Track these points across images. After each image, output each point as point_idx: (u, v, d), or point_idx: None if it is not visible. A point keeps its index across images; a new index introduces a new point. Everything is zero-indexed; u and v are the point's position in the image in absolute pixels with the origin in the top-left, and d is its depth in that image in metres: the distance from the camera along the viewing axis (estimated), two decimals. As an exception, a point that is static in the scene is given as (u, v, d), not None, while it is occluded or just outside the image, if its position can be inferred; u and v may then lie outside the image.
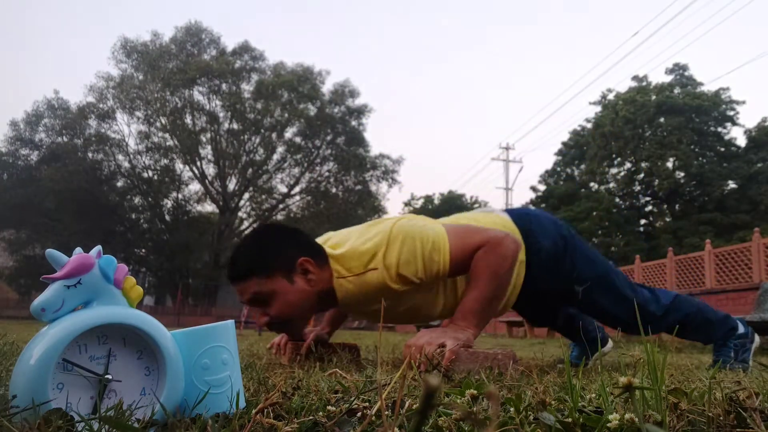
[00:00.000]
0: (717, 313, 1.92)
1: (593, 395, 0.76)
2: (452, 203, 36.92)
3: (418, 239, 1.48)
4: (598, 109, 27.74)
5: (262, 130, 29.00)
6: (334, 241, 1.65)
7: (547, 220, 1.80)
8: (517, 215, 1.79)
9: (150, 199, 28.48)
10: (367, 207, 29.60)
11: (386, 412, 0.54)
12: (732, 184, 23.36)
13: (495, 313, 1.52)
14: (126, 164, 28.14)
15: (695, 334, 1.92)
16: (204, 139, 29.10)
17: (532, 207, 1.94)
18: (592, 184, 27.25)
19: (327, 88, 29.70)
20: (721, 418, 0.56)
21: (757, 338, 1.93)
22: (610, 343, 2.25)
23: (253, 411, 0.58)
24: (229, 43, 30.65)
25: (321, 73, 29.46)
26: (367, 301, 1.56)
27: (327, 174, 30.32)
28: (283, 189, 30.48)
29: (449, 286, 1.65)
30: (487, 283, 1.45)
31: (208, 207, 31.33)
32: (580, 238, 1.84)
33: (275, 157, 29.91)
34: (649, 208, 26.83)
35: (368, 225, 1.62)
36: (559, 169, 29.25)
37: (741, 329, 1.89)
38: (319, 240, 1.72)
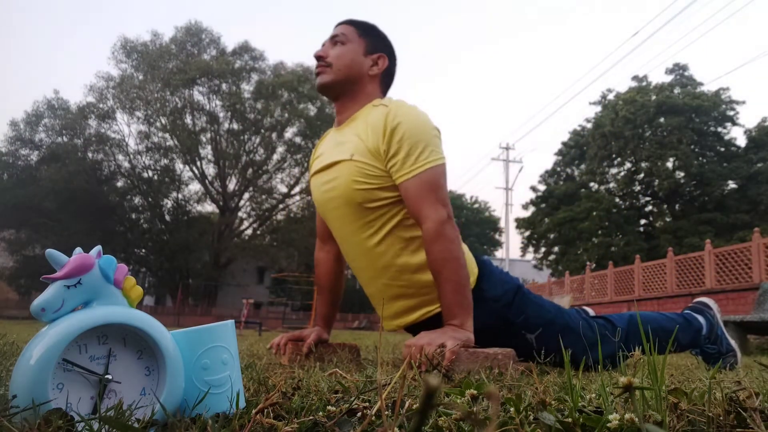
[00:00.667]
0: (677, 321, 1.85)
1: (593, 395, 0.76)
2: (452, 203, 36.74)
3: (423, 131, 1.54)
4: (598, 109, 27.74)
5: (262, 130, 29.00)
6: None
7: (497, 271, 1.76)
8: (482, 270, 1.72)
9: (150, 199, 28.48)
10: (367, 207, 29.54)
11: (386, 412, 0.54)
12: (732, 184, 23.36)
13: (470, 293, 1.48)
14: (126, 164, 28.15)
15: (662, 348, 1.87)
16: (204, 139, 29.10)
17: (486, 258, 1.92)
18: (592, 184, 27.25)
19: (327, 88, 29.65)
20: (721, 418, 0.56)
21: (714, 306, 1.89)
22: None
23: (253, 411, 0.58)
24: (229, 43, 30.72)
25: (321, 73, 29.41)
26: (336, 143, 1.69)
27: (327, 174, 30.26)
28: (283, 189, 30.49)
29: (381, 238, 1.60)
30: (455, 270, 1.44)
31: (208, 207, 31.35)
32: (528, 289, 1.78)
33: (275, 157, 29.92)
34: (649, 208, 26.83)
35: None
36: (559, 169, 29.25)
37: (703, 327, 1.85)
38: None
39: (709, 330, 1.86)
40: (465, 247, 1.69)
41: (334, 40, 1.71)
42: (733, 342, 1.84)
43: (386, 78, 1.76)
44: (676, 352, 1.94)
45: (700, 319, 1.89)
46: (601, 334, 1.73)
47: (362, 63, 1.70)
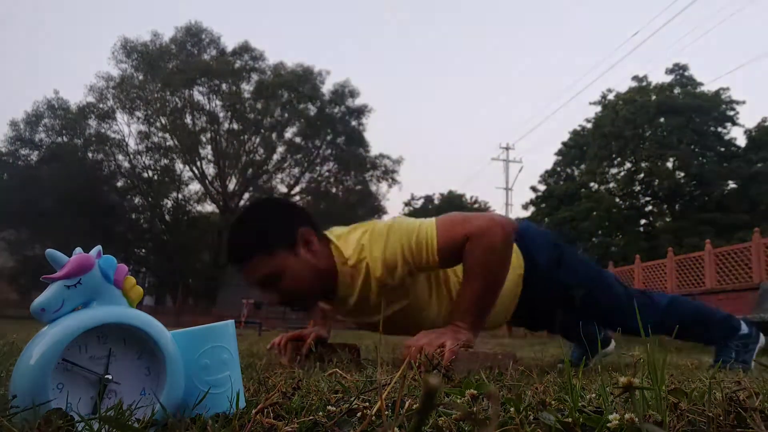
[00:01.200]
0: (716, 314, 1.91)
1: (593, 395, 0.76)
2: (452, 203, 36.88)
3: (405, 230, 1.47)
4: (598, 109, 27.73)
5: (262, 130, 29.00)
6: (331, 231, 1.65)
7: (539, 235, 1.80)
8: (524, 237, 1.76)
9: (150, 199, 28.48)
10: (367, 207, 29.59)
11: (386, 412, 0.54)
12: (732, 184, 23.36)
13: (492, 306, 1.50)
14: (126, 164, 28.15)
15: (695, 336, 1.92)
16: (204, 139, 29.10)
17: (522, 219, 1.95)
18: (592, 184, 27.25)
19: (327, 88, 29.71)
20: (721, 418, 0.56)
21: (762, 339, 1.90)
22: (612, 344, 2.25)
23: (253, 411, 0.58)
24: (229, 43, 30.64)
25: (321, 73, 29.47)
26: (361, 299, 1.55)
27: (327, 174, 30.33)
28: (283, 189, 30.48)
29: (443, 289, 1.65)
30: (478, 278, 1.43)
31: (208, 207, 31.33)
32: (572, 246, 1.87)
33: (275, 157, 29.92)
34: (649, 208, 26.82)
35: (362, 223, 1.62)
36: (559, 169, 29.24)
37: (744, 330, 1.87)
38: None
39: (748, 336, 1.85)
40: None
41: (264, 286, 1.48)
42: (753, 363, 1.84)
43: (314, 229, 1.53)
44: (706, 344, 1.94)
45: (745, 325, 1.89)
46: (640, 304, 1.80)
47: (304, 263, 1.47)
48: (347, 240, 1.52)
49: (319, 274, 1.49)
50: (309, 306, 1.63)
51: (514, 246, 1.66)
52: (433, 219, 1.52)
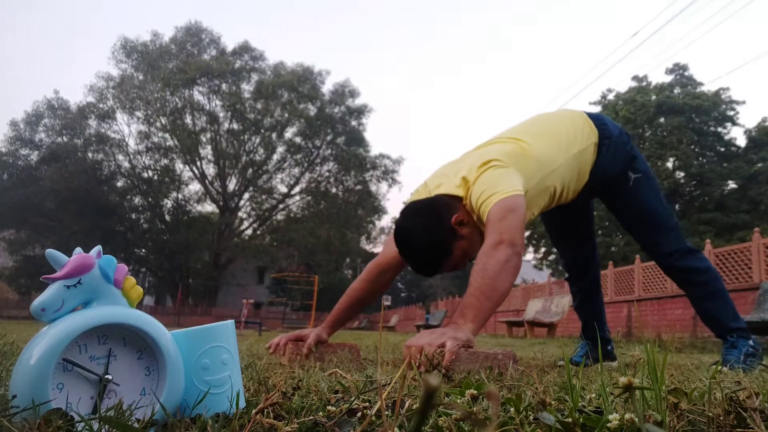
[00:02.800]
0: (733, 306, 1.95)
1: (593, 395, 0.76)
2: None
3: (484, 190, 1.64)
4: (598, 109, 27.74)
5: (262, 130, 29.01)
6: (437, 183, 1.83)
7: (615, 124, 2.00)
8: (593, 116, 1.97)
9: (150, 199, 28.50)
10: (367, 207, 29.61)
11: (386, 412, 0.54)
12: (732, 184, 23.36)
13: (495, 307, 1.53)
14: (126, 164, 28.17)
15: (710, 302, 1.93)
16: (204, 139, 29.12)
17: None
18: (592, 184, 27.21)
19: (327, 88, 29.75)
20: (721, 418, 0.56)
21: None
22: (615, 364, 2.25)
23: (253, 411, 0.58)
24: (229, 43, 30.76)
25: (321, 73, 29.49)
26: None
27: (327, 174, 30.34)
28: (283, 189, 30.51)
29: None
30: (487, 281, 1.48)
31: (208, 207, 31.36)
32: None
33: (275, 157, 29.94)
34: (649, 208, 26.76)
35: (473, 160, 1.77)
36: (559, 169, 29.20)
37: (752, 342, 1.90)
38: (422, 189, 1.88)
39: (756, 348, 1.89)
40: (584, 116, 1.94)
41: (459, 263, 1.76)
42: (756, 368, 1.84)
43: (453, 208, 1.75)
44: (717, 330, 1.95)
45: (753, 340, 1.93)
46: (676, 226, 1.98)
47: (472, 234, 1.73)
48: (466, 184, 1.73)
49: (479, 231, 1.73)
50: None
51: (588, 119, 1.92)
52: (496, 198, 1.62)
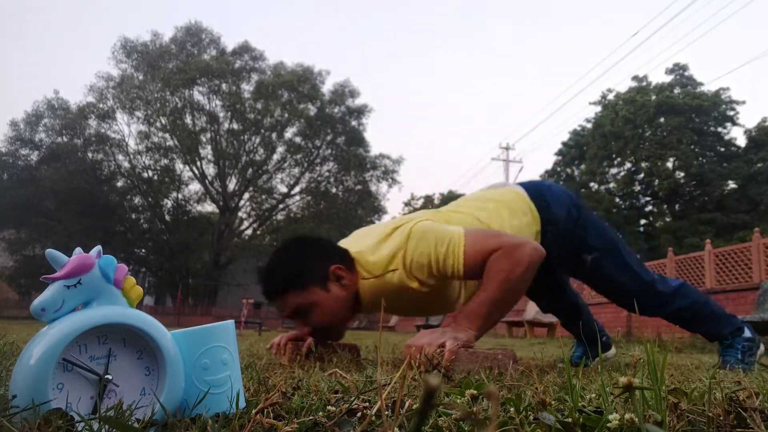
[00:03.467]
0: (723, 309, 1.91)
1: (593, 395, 0.76)
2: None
3: (433, 242, 1.49)
4: (598, 109, 27.74)
5: (262, 130, 29.00)
6: (356, 242, 1.69)
7: (560, 192, 1.83)
8: (531, 188, 1.81)
9: (150, 199, 28.48)
10: (367, 207, 29.60)
11: (386, 412, 0.54)
12: (732, 184, 23.36)
13: (502, 317, 1.51)
14: (126, 164, 28.16)
15: (701, 326, 1.90)
16: (204, 139, 29.11)
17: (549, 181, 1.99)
18: (592, 184, 27.25)
19: (327, 88, 29.72)
20: (721, 418, 0.56)
21: (762, 347, 1.90)
22: (612, 350, 2.25)
23: (253, 411, 0.58)
24: (229, 43, 30.71)
25: (321, 73, 29.48)
26: (388, 299, 1.60)
27: (327, 174, 30.33)
28: (283, 189, 30.50)
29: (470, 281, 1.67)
30: (497, 287, 1.43)
31: (208, 207, 31.35)
32: (591, 209, 1.88)
33: (275, 157, 29.92)
34: (649, 208, 26.82)
35: (389, 225, 1.65)
36: (559, 169, 29.24)
37: (748, 333, 1.87)
38: (344, 241, 1.77)
39: (752, 340, 1.86)
40: (520, 193, 1.76)
41: (297, 316, 1.60)
42: (756, 365, 1.83)
43: (345, 263, 1.61)
44: (711, 339, 1.94)
45: (748, 330, 1.89)
46: (650, 280, 1.81)
47: (336, 297, 1.58)
48: (373, 250, 1.57)
49: (348, 304, 1.61)
50: (336, 334, 1.73)
51: (531, 203, 1.74)
52: (461, 231, 1.51)
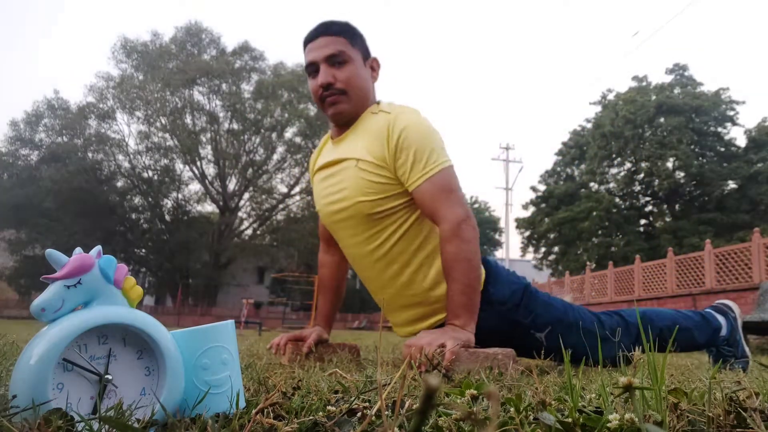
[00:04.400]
0: (693, 319, 1.82)
1: (593, 395, 0.76)
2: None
3: (430, 137, 1.51)
4: (598, 109, 27.75)
5: (262, 130, 29.01)
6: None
7: (504, 272, 1.74)
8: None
9: (150, 199, 28.49)
10: (367, 207, 29.55)
11: (386, 412, 0.54)
12: (732, 184, 23.37)
13: (479, 297, 1.48)
14: (126, 164, 28.17)
15: (682, 344, 1.82)
16: (204, 139, 29.12)
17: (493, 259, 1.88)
18: (592, 184, 27.25)
19: (327, 88, 29.68)
20: (721, 418, 0.56)
21: (736, 310, 1.85)
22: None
23: (253, 411, 0.58)
24: (229, 43, 30.76)
25: (321, 73, 29.44)
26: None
27: (327, 174, 30.29)
28: (283, 189, 30.51)
29: (419, 254, 1.60)
30: (461, 272, 1.43)
31: (208, 207, 31.35)
32: (536, 289, 1.75)
33: (275, 157, 29.94)
34: (649, 208, 26.83)
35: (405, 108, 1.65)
36: (559, 169, 29.25)
37: (723, 329, 1.82)
38: None
39: (730, 332, 1.82)
40: None
41: (333, 60, 1.55)
42: (747, 349, 1.82)
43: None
44: (693, 351, 1.92)
45: (721, 319, 1.84)
46: (610, 330, 1.70)
47: (368, 77, 1.62)
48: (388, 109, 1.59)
49: (364, 93, 1.59)
50: (337, 109, 1.59)
51: None
52: (437, 168, 1.49)
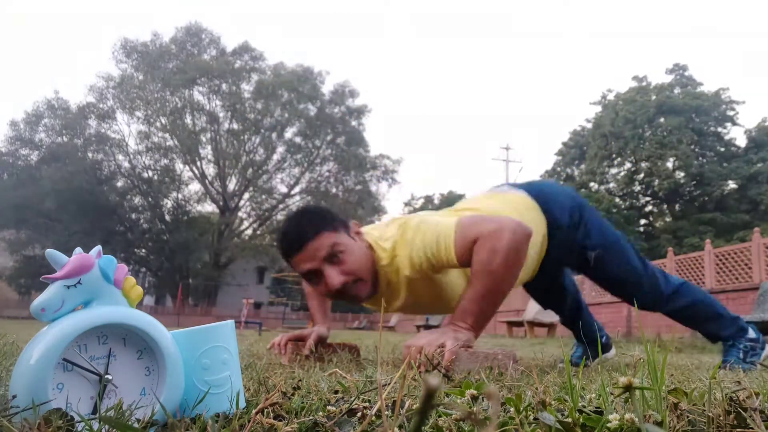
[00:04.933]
0: (727, 310, 1.92)
1: (593, 395, 0.76)
2: (452, 203, 36.79)
3: (429, 232, 1.50)
4: (598, 109, 27.75)
5: (262, 130, 29.02)
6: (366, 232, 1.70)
7: (562, 194, 1.85)
8: (533, 192, 1.81)
9: (150, 199, 28.50)
10: (367, 207, 29.62)
11: (386, 412, 0.54)
12: (732, 184, 23.36)
13: (495, 310, 1.49)
14: (126, 164, 28.18)
15: (703, 326, 1.91)
16: (204, 139, 29.13)
17: (546, 180, 2.01)
18: (592, 184, 27.25)
19: (327, 88, 29.77)
20: (721, 418, 0.56)
21: None
22: (613, 351, 2.25)
23: (253, 411, 0.58)
24: (229, 43, 30.77)
25: (321, 73, 29.50)
26: (395, 291, 1.62)
27: (327, 174, 30.35)
28: (283, 189, 30.53)
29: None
30: (480, 281, 1.41)
31: (208, 207, 31.36)
32: (593, 207, 1.91)
33: (275, 157, 29.95)
34: (649, 208, 26.82)
35: (390, 221, 1.68)
36: (559, 169, 29.24)
37: (752, 334, 1.88)
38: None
39: (756, 340, 1.86)
40: (523, 197, 1.76)
41: (332, 259, 1.50)
42: (759, 366, 1.83)
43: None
44: (713, 340, 1.94)
45: (753, 330, 1.90)
46: (651, 276, 1.85)
47: (360, 246, 1.56)
48: (382, 240, 1.59)
49: (372, 264, 1.56)
50: (362, 295, 1.60)
51: (536, 205, 1.75)
52: (454, 220, 1.51)
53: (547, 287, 2.07)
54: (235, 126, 29.08)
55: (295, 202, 30.68)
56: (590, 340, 2.11)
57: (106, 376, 0.60)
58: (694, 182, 24.01)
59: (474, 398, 0.64)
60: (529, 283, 1.99)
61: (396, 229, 1.57)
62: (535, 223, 1.70)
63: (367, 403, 0.66)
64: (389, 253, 1.55)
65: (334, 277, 1.49)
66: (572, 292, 2.13)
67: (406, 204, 40.19)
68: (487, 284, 1.42)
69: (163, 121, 28.01)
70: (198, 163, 29.14)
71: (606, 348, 2.22)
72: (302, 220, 1.53)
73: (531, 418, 0.58)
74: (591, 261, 1.79)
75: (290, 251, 1.51)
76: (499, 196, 1.81)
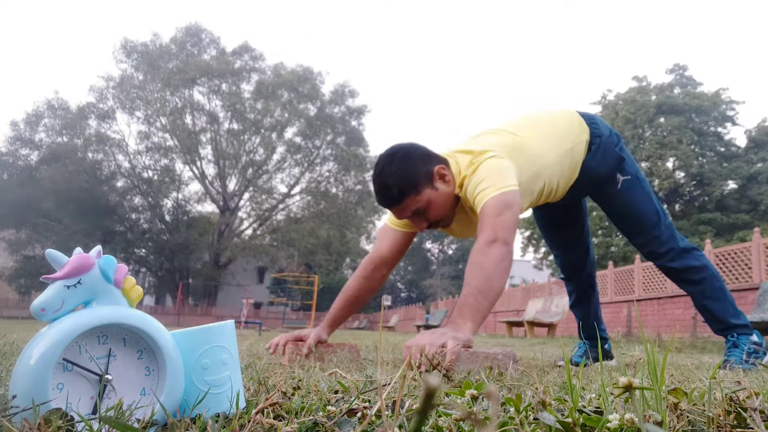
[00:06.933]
0: (735, 306, 1.94)
1: (593, 395, 0.76)
2: (452, 203, 36.74)
3: (484, 181, 1.65)
4: (598, 109, 27.74)
5: (262, 130, 29.01)
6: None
7: (605, 124, 2.01)
8: (585, 115, 1.98)
9: (150, 199, 28.49)
10: (367, 207, 29.61)
11: (386, 412, 0.54)
12: (732, 184, 23.36)
13: (492, 306, 1.53)
14: (126, 164, 28.18)
15: (710, 300, 1.92)
16: (204, 139, 29.12)
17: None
18: (592, 184, 27.20)
19: (327, 88, 29.82)
20: (721, 418, 0.56)
21: None
22: (614, 362, 2.25)
23: (253, 411, 0.58)
24: (229, 43, 30.80)
25: (321, 73, 29.52)
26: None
27: (327, 174, 30.34)
28: (283, 189, 30.52)
29: None
30: (479, 280, 1.50)
31: (208, 207, 31.36)
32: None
33: (275, 157, 29.94)
34: (649, 208, 26.75)
35: (477, 149, 1.78)
36: (559, 169, 29.20)
37: (756, 338, 1.88)
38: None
39: (759, 344, 1.88)
40: (566, 113, 1.94)
41: (416, 216, 1.75)
42: (759, 367, 1.84)
43: (444, 163, 1.78)
44: (717, 328, 1.95)
45: (757, 335, 1.92)
46: (668, 223, 1.96)
47: (443, 191, 1.74)
48: (458, 175, 1.76)
49: (453, 199, 1.77)
50: (445, 226, 1.85)
51: (580, 117, 1.94)
52: (500, 190, 1.63)
53: (571, 228, 2.17)
54: (235, 126, 29.08)
55: (295, 202, 30.68)
56: (592, 341, 2.12)
57: (106, 376, 0.60)
58: (694, 182, 24.00)
59: (474, 398, 0.64)
60: (556, 219, 2.15)
61: (467, 166, 1.74)
62: (577, 129, 1.88)
63: (367, 403, 0.66)
64: (458, 184, 1.77)
65: (420, 224, 1.78)
66: (591, 263, 2.22)
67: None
68: (484, 282, 1.51)
69: (163, 121, 28.01)
70: (198, 163, 29.14)
71: (607, 356, 2.22)
72: (388, 187, 1.70)
73: (531, 418, 0.58)
74: (618, 184, 1.92)
75: (382, 205, 1.78)
76: (552, 111, 1.97)
